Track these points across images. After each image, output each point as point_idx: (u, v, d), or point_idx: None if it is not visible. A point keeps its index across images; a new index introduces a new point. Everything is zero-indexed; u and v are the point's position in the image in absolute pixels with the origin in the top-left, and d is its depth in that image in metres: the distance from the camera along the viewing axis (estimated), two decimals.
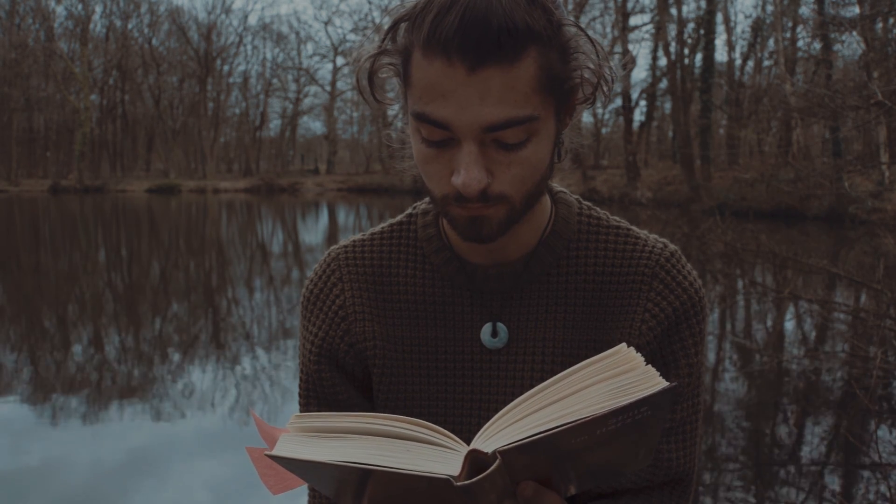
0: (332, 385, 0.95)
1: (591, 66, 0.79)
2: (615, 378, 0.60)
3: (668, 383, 0.57)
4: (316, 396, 0.96)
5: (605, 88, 0.82)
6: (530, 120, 0.74)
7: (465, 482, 0.57)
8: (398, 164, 0.91)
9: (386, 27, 0.79)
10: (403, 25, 0.77)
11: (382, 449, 0.61)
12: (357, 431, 0.63)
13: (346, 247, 0.97)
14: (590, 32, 0.79)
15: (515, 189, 0.78)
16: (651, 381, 0.59)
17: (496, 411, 0.89)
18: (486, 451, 0.59)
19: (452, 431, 0.91)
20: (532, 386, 0.88)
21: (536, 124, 0.76)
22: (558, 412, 0.59)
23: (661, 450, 0.90)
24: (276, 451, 0.63)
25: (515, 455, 0.58)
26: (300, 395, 0.98)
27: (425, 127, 0.76)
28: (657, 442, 0.63)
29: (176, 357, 6.88)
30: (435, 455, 0.61)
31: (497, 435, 0.61)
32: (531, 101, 0.74)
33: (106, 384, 6.01)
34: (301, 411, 0.98)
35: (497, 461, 0.57)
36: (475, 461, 0.59)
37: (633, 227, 0.93)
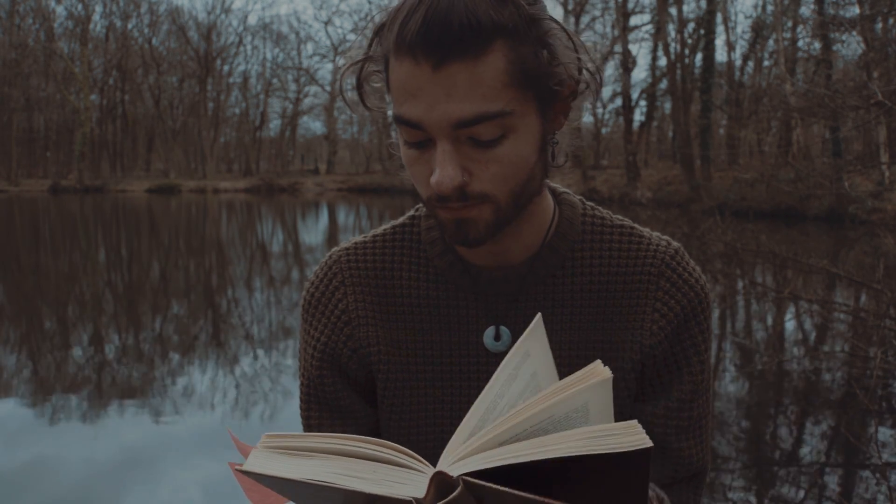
0: (334, 390, 0.94)
1: (570, 60, 0.78)
2: (597, 429, 0.58)
3: (650, 443, 0.56)
4: (318, 401, 0.95)
5: (590, 84, 0.81)
6: (502, 115, 0.74)
7: None
8: (401, 173, 0.91)
9: (369, 35, 0.80)
10: (382, 34, 0.78)
11: (349, 469, 0.61)
12: (327, 451, 0.63)
13: (347, 249, 0.96)
14: (567, 27, 0.79)
15: (497, 188, 0.77)
16: (634, 438, 0.57)
17: None
18: (451, 474, 0.58)
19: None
20: None
21: (511, 120, 0.75)
22: (530, 448, 0.58)
23: (682, 448, 0.91)
24: (245, 466, 0.64)
25: (480, 482, 0.57)
26: (301, 400, 0.98)
27: (404, 129, 0.77)
28: (646, 500, 0.62)
29: (175, 357, 6.88)
30: (402, 476, 0.60)
31: (465, 459, 0.60)
32: (502, 96, 0.74)
33: (104, 384, 6.01)
34: (302, 416, 0.98)
35: (460, 487, 0.57)
36: (441, 483, 0.58)
37: (636, 226, 0.93)
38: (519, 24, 0.74)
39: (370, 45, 0.80)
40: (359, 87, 0.83)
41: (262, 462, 0.64)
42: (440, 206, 0.78)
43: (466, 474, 0.57)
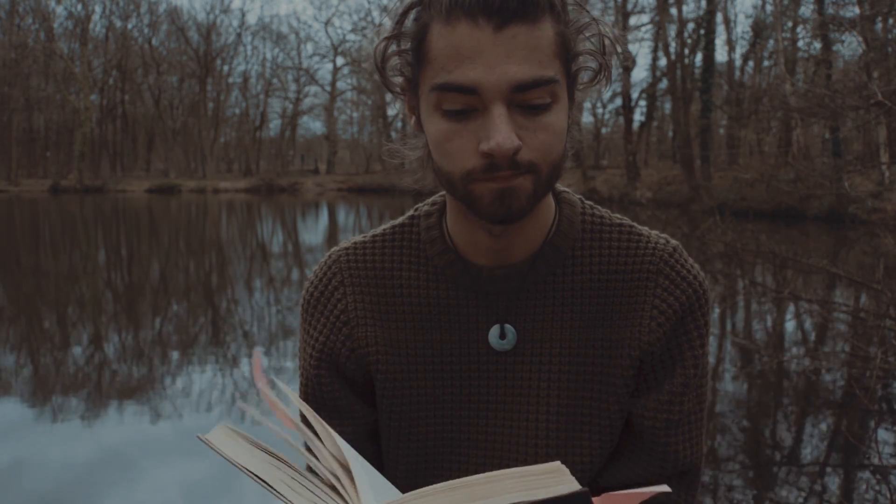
0: (331, 390, 0.94)
1: (595, 47, 0.81)
2: (529, 477, 0.58)
3: (581, 487, 0.55)
4: (315, 401, 0.96)
5: (608, 71, 0.83)
6: (553, 82, 0.76)
7: None
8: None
9: (398, 13, 0.81)
10: (414, 12, 0.79)
11: (294, 483, 0.62)
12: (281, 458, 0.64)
13: (346, 249, 0.96)
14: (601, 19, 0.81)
15: (543, 157, 0.77)
16: (564, 482, 0.57)
17: (504, 413, 0.90)
18: None
19: (460, 434, 0.91)
20: (540, 387, 0.89)
21: (558, 89, 0.77)
22: (465, 500, 0.57)
23: (669, 442, 0.90)
24: (208, 436, 0.66)
25: None
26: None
27: (449, 97, 0.76)
28: None
29: (174, 357, 6.87)
30: None
31: None
32: (553, 63, 0.76)
33: (98, 385, 6.00)
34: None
35: None
36: None
37: (635, 225, 0.93)
38: (560, 4, 0.77)
39: (398, 23, 0.81)
40: (382, 64, 0.83)
41: (223, 438, 0.65)
42: (486, 177, 0.77)
43: None
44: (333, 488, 0.62)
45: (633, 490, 0.61)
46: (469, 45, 0.73)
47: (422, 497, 0.58)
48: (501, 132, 0.74)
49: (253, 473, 0.62)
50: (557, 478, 0.57)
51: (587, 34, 0.80)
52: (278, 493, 0.60)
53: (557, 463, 0.58)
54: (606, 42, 0.81)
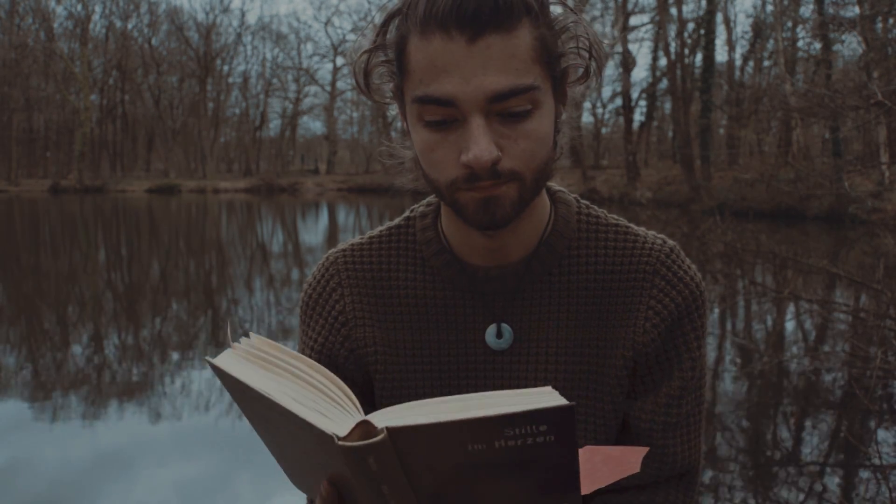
0: None
1: (579, 45, 0.80)
2: (521, 395, 0.61)
3: (568, 402, 0.57)
4: None
5: (594, 67, 0.82)
6: (533, 89, 0.75)
7: (345, 443, 0.59)
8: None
9: (378, 24, 0.81)
10: (395, 21, 0.79)
11: (295, 391, 0.65)
12: (290, 373, 0.68)
13: (344, 251, 0.96)
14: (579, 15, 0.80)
15: (525, 165, 0.77)
16: (553, 399, 0.60)
17: None
18: (377, 425, 0.60)
19: None
20: (537, 387, 0.89)
21: (538, 95, 0.76)
22: (459, 410, 0.61)
23: (667, 445, 0.90)
24: (215, 360, 0.68)
25: (406, 437, 0.59)
26: None
27: (428, 109, 0.76)
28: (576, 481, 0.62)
29: (173, 357, 6.87)
30: (334, 414, 0.63)
31: (391, 414, 0.62)
32: (532, 70, 0.75)
33: (95, 385, 6.00)
34: None
35: (383, 434, 0.59)
36: (366, 432, 0.61)
37: (632, 225, 0.93)
38: (538, 5, 0.76)
39: (379, 34, 0.80)
40: (366, 77, 0.83)
41: (229, 362, 0.68)
42: (468, 186, 0.77)
43: (391, 425, 0.60)
44: (337, 403, 0.66)
45: (614, 447, 0.63)
46: (444, 57, 0.73)
47: (420, 406, 0.62)
48: (479, 144, 0.74)
49: (257, 390, 0.64)
50: (547, 396, 0.60)
51: (571, 33, 0.80)
52: (283, 406, 0.63)
53: (549, 387, 0.62)
54: (590, 40, 0.80)
